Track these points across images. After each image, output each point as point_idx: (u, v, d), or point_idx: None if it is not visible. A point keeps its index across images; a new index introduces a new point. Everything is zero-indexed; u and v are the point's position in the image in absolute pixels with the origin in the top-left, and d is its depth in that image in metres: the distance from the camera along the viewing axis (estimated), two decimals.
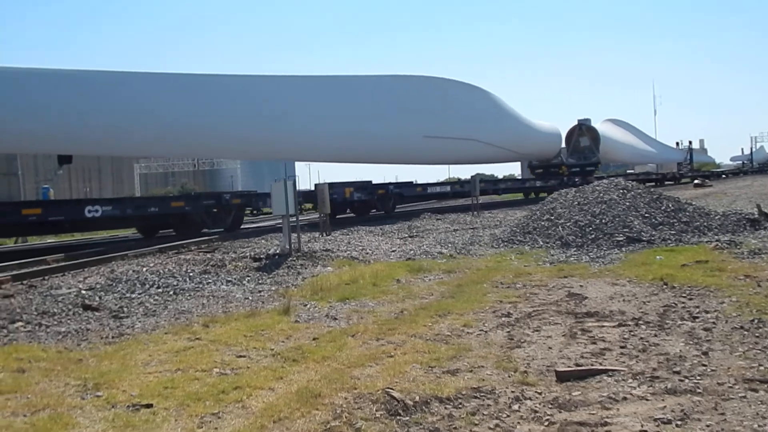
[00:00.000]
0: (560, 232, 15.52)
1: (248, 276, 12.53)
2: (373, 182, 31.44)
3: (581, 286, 10.15)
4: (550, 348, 6.64)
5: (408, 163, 40.70)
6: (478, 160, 42.78)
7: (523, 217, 18.80)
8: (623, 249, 13.81)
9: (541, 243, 15.24)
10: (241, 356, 6.82)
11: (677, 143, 77.05)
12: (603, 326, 7.41)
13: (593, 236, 14.88)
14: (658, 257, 12.36)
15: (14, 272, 13.09)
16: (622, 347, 6.51)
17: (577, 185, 41.01)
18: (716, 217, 16.46)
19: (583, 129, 48.33)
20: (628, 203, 16.36)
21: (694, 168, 73.89)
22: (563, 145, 47.80)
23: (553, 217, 16.50)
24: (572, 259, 13.18)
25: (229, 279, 12.17)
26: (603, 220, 15.48)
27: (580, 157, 47.64)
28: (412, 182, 36.86)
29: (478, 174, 39.80)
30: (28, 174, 46.29)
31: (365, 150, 30.88)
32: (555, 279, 10.88)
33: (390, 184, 32.76)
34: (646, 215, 15.84)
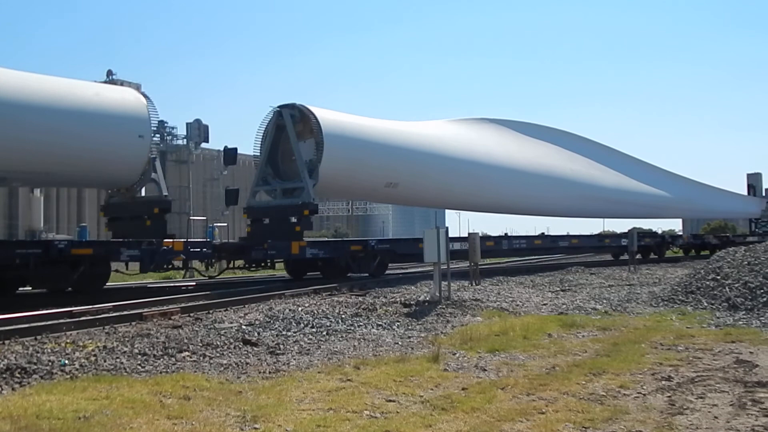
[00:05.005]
0: (727, 293, 14.54)
1: (398, 321, 12.68)
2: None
3: (751, 352, 9.44)
4: (716, 417, 6.21)
5: None
6: None
7: (685, 276, 17.86)
8: None
9: (706, 304, 14.35)
10: (390, 401, 6.90)
11: (750, 187, 48.81)
12: None
13: (765, 299, 13.79)
14: None
15: (182, 305, 14.02)
16: None
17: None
18: None
19: (296, 119, 21.59)
20: None
21: None
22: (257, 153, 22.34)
23: (719, 277, 15.49)
24: (741, 322, 12.30)
25: (379, 323, 12.38)
26: None
27: (284, 190, 21.87)
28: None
29: (635, 228, 37.43)
30: (197, 213, 49.68)
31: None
32: (721, 343, 10.19)
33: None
34: None
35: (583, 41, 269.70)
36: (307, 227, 21.25)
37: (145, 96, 18.97)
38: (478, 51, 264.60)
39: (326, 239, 28.13)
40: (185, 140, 53.78)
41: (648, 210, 39.18)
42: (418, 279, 20.66)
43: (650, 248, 36.96)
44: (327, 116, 21.76)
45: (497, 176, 27.72)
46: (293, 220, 21.03)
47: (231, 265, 21.31)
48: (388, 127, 24.95)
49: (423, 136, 25.95)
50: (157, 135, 19.56)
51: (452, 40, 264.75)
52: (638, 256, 34.24)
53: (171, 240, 18.50)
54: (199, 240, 22.03)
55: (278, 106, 21.79)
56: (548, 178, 30.16)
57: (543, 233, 36.35)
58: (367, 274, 22.08)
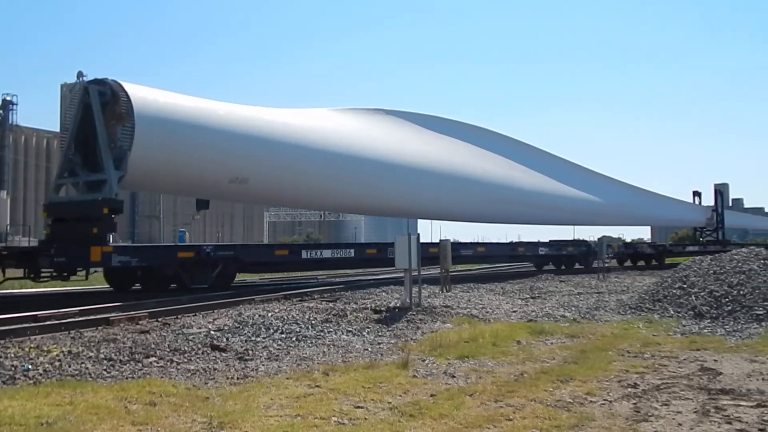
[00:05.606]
0: (693, 301, 14.75)
1: (368, 327, 12.67)
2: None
3: (715, 360, 9.58)
4: (680, 424, 6.29)
5: None
6: None
7: (652, 284, 18.06)
8: (763, 323, 12.92)
9: (672, 312, 14.54)
10: (359, 407, 6.88)
11: (695, 194, 47.98)
12: (739, 405, 6.94)
13: (730, 308, 14.03)
14: None
15: (150, 309, 13.85)
16: (760, 430, 6.07)
17: None
18: None
19: (107, 98, 17.47)
20: None
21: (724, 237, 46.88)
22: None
23: (685, 286, 15.71)
24: (706, 331, 12.48)
25: (349, 329, 12.35)
26: (741, 292, 14.57)
27: (88, 183, 18.04)
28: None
29: (605, 236, 37.47)
30: (167, 217, 49.22)
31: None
32: (686, 351, 10.33)
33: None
34: None
35: (573, 47, 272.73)
36: (109, 229, 17.01)
37: None
38: (473, 57, 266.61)
39: (146, 244, 23.05)
40: None
41: (577, 216, 35.74)
42: (389, 284, 20.58)
43: (574, 258, 32.75)
44: (146, 95, 17.88)
45: (389, 174, 24.10)
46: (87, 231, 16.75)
47: (26, 274, 16.69)
48: (239, 113, 20.70)
49: (288, 125, 21.84)
50: None
51: (450, 46, 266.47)
52: (549, 266, 32.82)
53: None
54: None
55: (87, 82, 18.29)
56: (455, 178, 26.72)
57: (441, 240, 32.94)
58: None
